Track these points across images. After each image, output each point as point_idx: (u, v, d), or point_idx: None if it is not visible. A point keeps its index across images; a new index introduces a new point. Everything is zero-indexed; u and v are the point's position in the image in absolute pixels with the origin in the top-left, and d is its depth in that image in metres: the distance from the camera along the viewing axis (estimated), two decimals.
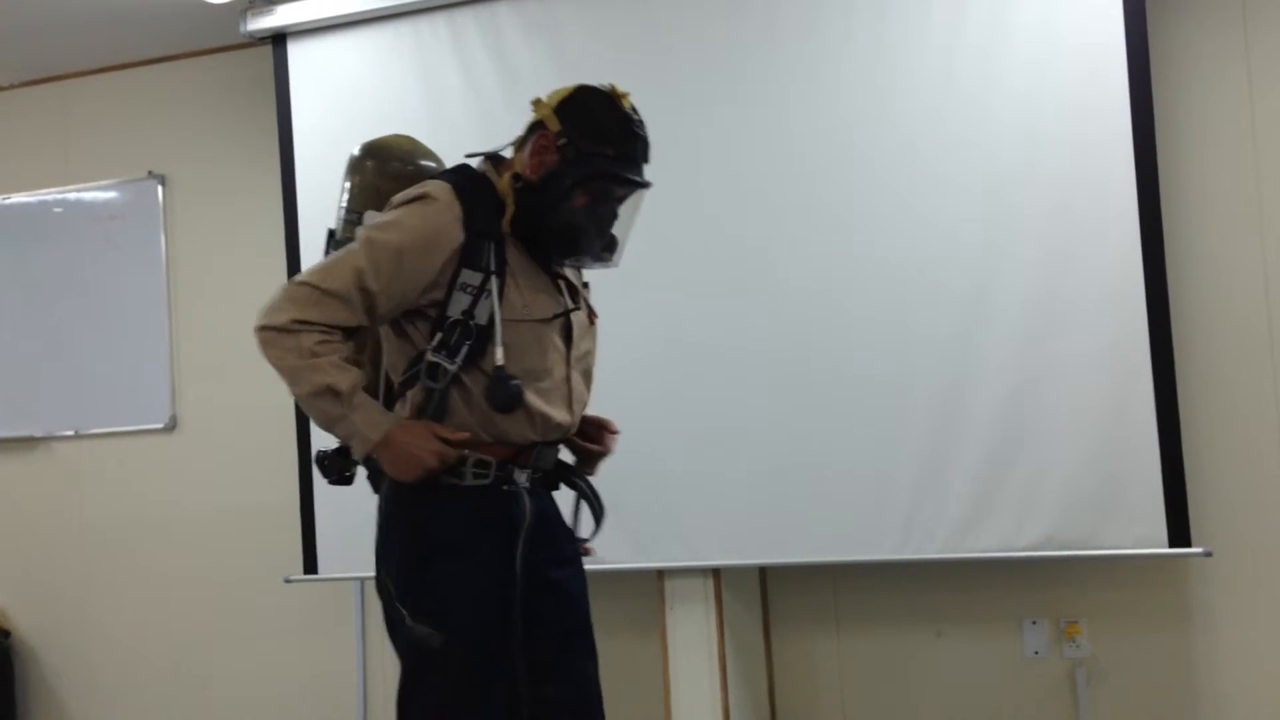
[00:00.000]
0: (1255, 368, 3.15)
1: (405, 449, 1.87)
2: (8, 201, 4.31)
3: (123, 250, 4.16)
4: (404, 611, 1.92)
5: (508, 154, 2.02)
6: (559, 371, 1.99)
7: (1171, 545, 2.94)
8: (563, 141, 1.91)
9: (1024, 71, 3.06)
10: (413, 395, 1.94)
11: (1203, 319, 3.16)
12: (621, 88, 1.98)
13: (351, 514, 3.52)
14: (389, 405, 1.99)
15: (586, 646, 2.11)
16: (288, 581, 3.65)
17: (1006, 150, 3.07)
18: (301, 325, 1.84)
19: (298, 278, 1.91)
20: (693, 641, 3.22)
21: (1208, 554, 2.97)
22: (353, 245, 1.90)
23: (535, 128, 1.96)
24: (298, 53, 3.69)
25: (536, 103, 1.97)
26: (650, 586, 3.33)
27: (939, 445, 3.08)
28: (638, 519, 3.16)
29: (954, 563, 3.18)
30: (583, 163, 1.91)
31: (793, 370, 3.20)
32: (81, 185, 4.23)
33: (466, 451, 1.91)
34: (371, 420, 1.88)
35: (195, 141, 4.13)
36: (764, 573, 3.49)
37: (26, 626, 4.22)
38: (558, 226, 1.93)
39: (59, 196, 4.25)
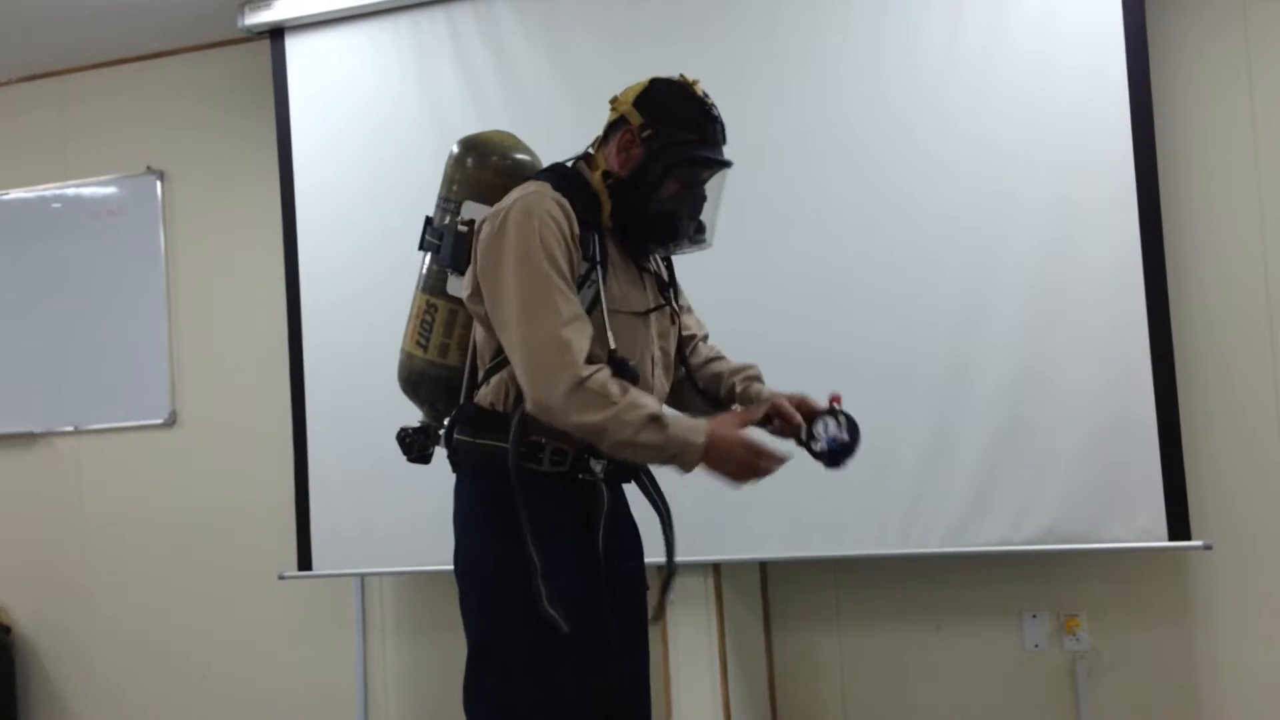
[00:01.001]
0: (1255, 359, 3.14)
1: (729, 443, 1.86)
2: (6, 197, 4.30)
3: (122, 246, 4.15)
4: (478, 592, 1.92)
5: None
6: (645, 366, 2.01)
7: (1171, 538, 2.94)
8: (647, 133, 1.94)
9: (1024, 63, 3.07)
10: (504, 377, 1.93)
11: (1202, 310, 3.16)
12: (690, 75, 2.01)
13: (348, 511, 3.56)
14: (476, 389, 1.99)
15: (643, 642, 2.11)
16: (281, 578, 3.65)
17: (1007, 142, 3.07)
18: (589, 369, 1.81)
19: (536, 336, 1.81)
20: (693, 637, 3.22)
21: (1208, 547, 2.97)
22: (521, 277, 1.83)
23: (616, 125, 1.99)
24: (296, 47, 3.68)
25: (614, 101, 2.00)
26: (651, 583, 3.32)
27: (938, 439, 3.08)
28: (636, 515, 3.13)
29: (954, 557, 3.18)
30: (669, 151, 1.94)
31: (791, 364, 3.16)
32: (80, 180, 4.22)
33: (544, 439, 1.91)
34: (689, 426, 1.85)
35: (194, 136, 4.12)
36: (764, 568, 3.48)
37: (27, 622, 4.22)
38: (653, 215, 1.95)
39: (58, 192, 4.24)
